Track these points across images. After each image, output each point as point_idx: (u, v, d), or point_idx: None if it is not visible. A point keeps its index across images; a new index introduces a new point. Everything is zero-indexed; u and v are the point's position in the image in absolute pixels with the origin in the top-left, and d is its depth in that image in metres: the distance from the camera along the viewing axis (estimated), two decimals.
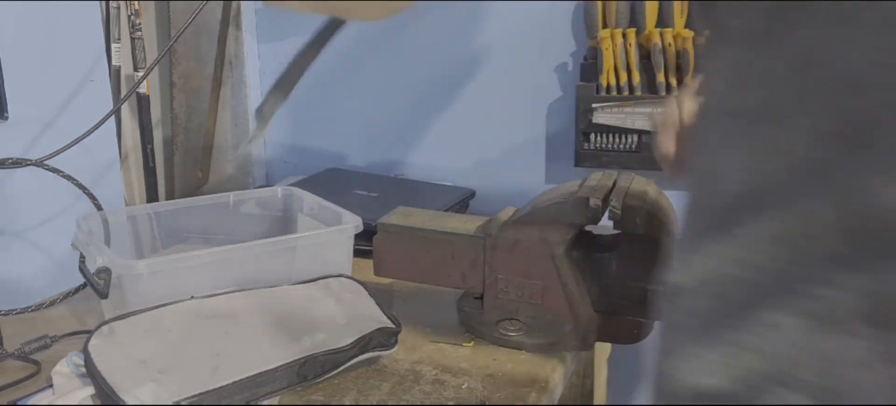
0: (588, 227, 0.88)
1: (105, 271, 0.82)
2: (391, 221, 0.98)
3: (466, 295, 0.99)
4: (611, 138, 1.41)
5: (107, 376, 0.72)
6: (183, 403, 0.70)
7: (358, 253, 1.01)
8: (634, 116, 1.39)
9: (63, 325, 0.96)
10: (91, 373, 0.74)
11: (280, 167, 1.80)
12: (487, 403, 0.78)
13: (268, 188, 1.14)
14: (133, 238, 1.03)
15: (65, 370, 0.81)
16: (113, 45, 1.36)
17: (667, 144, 0.77)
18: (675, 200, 0.93)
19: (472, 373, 0.84)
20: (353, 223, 0.97)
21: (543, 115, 1.52)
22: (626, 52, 1.37)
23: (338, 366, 0.81)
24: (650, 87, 1.38)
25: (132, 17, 1.38)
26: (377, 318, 0.87)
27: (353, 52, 1.66)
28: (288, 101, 0.61)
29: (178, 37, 1.16)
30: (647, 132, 1.38)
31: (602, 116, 1.41)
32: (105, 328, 0.79)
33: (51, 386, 0.81)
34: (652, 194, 0.87)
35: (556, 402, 0.86)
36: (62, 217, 1.18)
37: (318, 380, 0.80)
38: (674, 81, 1.36)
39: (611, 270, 0.87)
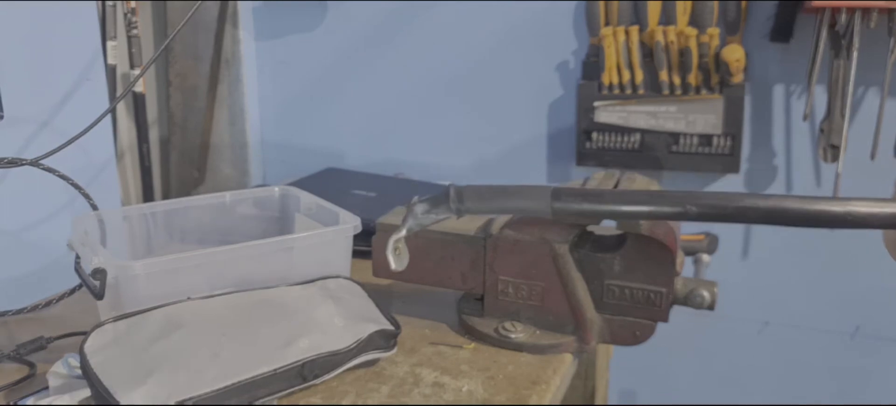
0: (590, 228, 0.87)
1: (101, 272, 0.81)
2: (390, 221, 0.97)
3: (466, 296, 0.98)
4: (613, 137, 1.40)
5: (102, 378, 0.71)
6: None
7: (356, 253, 1.00)
8: (637, 115, 1.38)
9: (58, 327, 0.95)
10: (87, 374, 0.73)
11: (277, 166, 1.79)
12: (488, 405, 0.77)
13: (265, 188, 1.13)
14: (129, 238, 1.02)
15: (60, 371, 0.80)
16: (109, 43, 1.35)
17: None
18: None
19: (472, 375, 0.83)
20: (351, 223, 0.96)
21: (545, 113, 1.51)
22: (629, 50, 1.36)
23: (336, 368, 0.80)
24: (653, 85, 1.37)
25: (128, 15, 1.37)
26: (376, 320, 0.86)
27: (352, 52, 1.65)
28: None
29: (175, 35, 1.15)
30: (650, 131, 1.38)
31: (604, 115, 1.40)
32: (101, 329, 0.78)
33: (46, 387, 0.80)
34: None
35: (557, 404, 0.85)
36: (58, 217, 1.17)
37: (316, 382, 0.79)
38: (676, 79, 1.35)
39: (613, 271, 0.85)
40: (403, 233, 0.66)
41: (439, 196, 0.66)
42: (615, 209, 0.65)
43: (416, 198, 0.68)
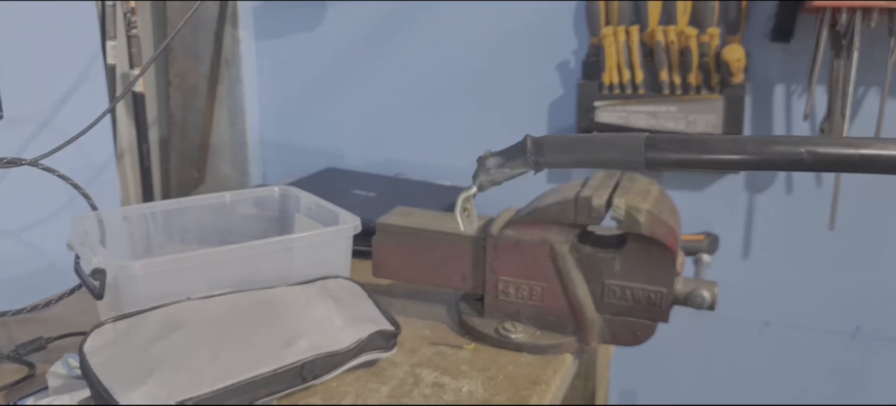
0: (590, 228, 0.87)
1: (100, 272, 0.81)
2: (390, 221, 0.97)
3: (467, 296, 0.98)
4: None
5: (102, 378, 0.71)
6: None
7: (356, 254, 0.99)
8: (637, 115, 1.38)
9: (58, 327, 0.94)
10: (86, 374, 0.73)
11: (277, 166, 1.79)
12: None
13: (265, 188, 1.12)
14: (129, 238, 1.02)
15: (60, 372, 0.80)
16: (108, 43, 1.35)
17: None
18: (678, 201, 0.92)
19: (472, 375, 0.83)
20: (351, 223, 0.96)
21: (545, 113, 1.51)
22: (629, 50, 1.36)
23: (335, 368, 0.80)
24: (653, 85, 1.37)
25: (128, 14, 1.37)
26: (376, 320, 0.86)
27: (352, 51, 1.65)
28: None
29: (175, 35, 1.15)
30: (650, 131, 1.37)
31: (604, 115, 1.39)
32: (100, 329, 0.78)
33: (46, 388, 0.80)
34: (655, 194, 0.86)
35: (557, 405, 0.85)
36: (57, 217, 1.17)
37: (316, 382, 0.79)
38: (677, 79, 1.35)
39: (613, 271, 0.85)
40: (474, 190, 0.60)
41: (515, 148, 0.59)
42: (719, 158, 0.56)
43: (487, 151, 0.61)
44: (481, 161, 0.59)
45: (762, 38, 1.33)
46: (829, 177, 1.34)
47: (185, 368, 0.73)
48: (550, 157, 0.58)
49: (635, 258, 0.84)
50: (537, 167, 0.58)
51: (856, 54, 1.22)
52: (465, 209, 0.62)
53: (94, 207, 1.04)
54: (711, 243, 1.39)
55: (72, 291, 1.06)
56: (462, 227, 0.61)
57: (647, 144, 0.56)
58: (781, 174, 1.39)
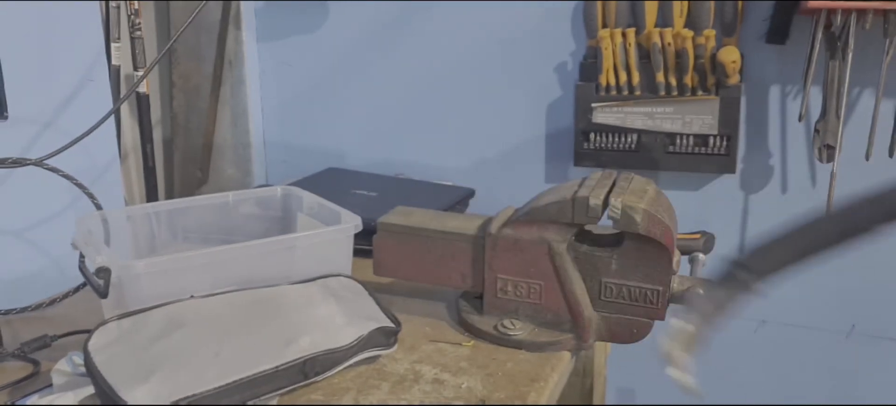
0: (588, 227, 0.88)
1: (104, 271, 0.82)
2: (391, 221, 0.98)
3: (466, 294, 0.99)
4: (610, 138, 1.41)
5: (106, 375, 0.72)
6: (182, 403, 0.70)
7: (357, 252, 1.01)
8: (634, 116, 1.39)
9: (63, 325, 0.95)
10: (91, 372, 0.74)
11: (279, 167, 1.80)
12: (487, 403, 0.78)
13: (267, 187, 1.14)
14: (132, 238, 1.03)
15: (64, 369, 0.81)
16: (113, 45, 1.36)
17: None
18: (674, 200, 0.93)
19: (471, 372, 0.84)
20: (352, 223, 0.97)
21: (543, 114, 1.52)
22: (626, 52, 1.37)
23: (337, 365, 0.81)
24: (650, 86, 1.38)
25: (132, 16, 1.38)
26: (376, 318, 0.87)
27: (354, 52, 1.66)
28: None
29: (178, 36, 1.16)
30: (647, 132, 1.39)
31: (601, 116, 1.41)
32: (104, 328, 0.79)
33: (50, 385, 0.81)
34: (651, 194, 0.87)
35: (555, 402, 0.86)
36: (62, 216, 1.18)
37: (318, 379, 0.80)
38: (673, 81, 1.36)
39: (610, 270, 0.86)
40: (690, 328, 0.50)
41: (721, 279, 0.53)
42: None
43: (694, 290, 0.51)
44: (690, 298, 0.52)
45: (758, 40, 1.34)
46: (823, 177, 1.35)
47: (188, 366, 0.74)
48: (762, 267, 0.53)
49: (632, 257, 0.85)
50: (753, 283, 0.53)
51: (850, 56, 1.23)
52: (683, 361, 0.50)
53: (98, 207, 1.05)
54: (707, 242, 1.40)
55: (76, 290, 1.07)
56: (687, 382, 0.50)
57: (844, 214, 0.53)
58: (777, 173, 1.40)
